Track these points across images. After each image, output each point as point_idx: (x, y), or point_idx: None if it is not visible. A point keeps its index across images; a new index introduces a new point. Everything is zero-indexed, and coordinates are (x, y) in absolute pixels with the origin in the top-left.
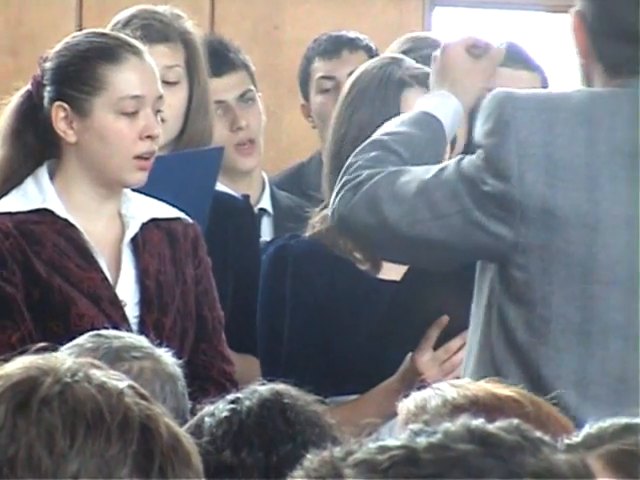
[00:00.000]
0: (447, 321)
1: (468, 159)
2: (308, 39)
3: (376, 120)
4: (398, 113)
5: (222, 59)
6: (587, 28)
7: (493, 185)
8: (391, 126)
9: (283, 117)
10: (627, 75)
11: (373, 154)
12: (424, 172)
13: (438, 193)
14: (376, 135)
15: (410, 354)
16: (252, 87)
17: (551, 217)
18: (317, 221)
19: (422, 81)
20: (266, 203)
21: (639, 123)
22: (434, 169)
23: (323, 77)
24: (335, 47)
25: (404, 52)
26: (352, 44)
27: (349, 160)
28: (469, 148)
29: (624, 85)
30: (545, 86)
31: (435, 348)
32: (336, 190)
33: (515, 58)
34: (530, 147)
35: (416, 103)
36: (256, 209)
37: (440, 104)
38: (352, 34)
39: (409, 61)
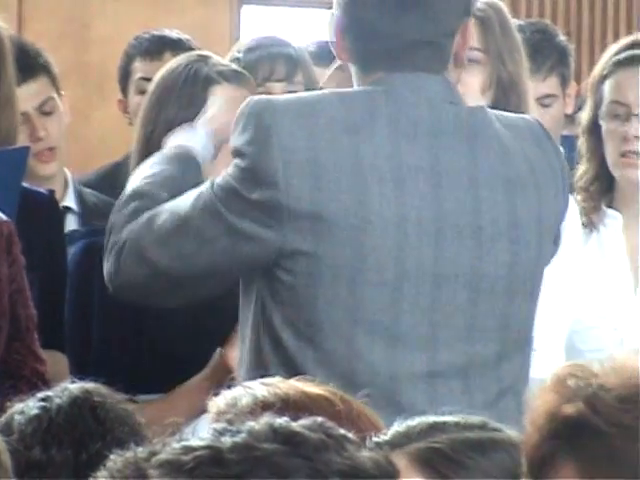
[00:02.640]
0: None
1: (224, 175)
2: (117, 37)
3: (183, 118)
4: (204, 110)
5: (20, 67)
6: (340, 30)
7: (259, 193)
8: (146, 169)
9: (91, 115)
10: (382, 71)
11: (132, 206)
12: (180, 205)
13: (198, 221)
14: (132, 183)
15: (219, 349)
16: (53, 94)
17: (319, 221)
18: None
19: (229, 77)
20: (70, 201)
21: (398, 126)
22: (190, 198)
23: (142, 78)
24: (157, 48)
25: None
26: (175, 46)
27: (110, 219)
28: None
29: (378, 82)
30: None
31: None
32: (105, 256)
33: (325, 56)
34: (294, 153)
35: (170, 140)
36: (60, 207)
37: (191, 135)
38: (175, 35)
39: (216, 58)
